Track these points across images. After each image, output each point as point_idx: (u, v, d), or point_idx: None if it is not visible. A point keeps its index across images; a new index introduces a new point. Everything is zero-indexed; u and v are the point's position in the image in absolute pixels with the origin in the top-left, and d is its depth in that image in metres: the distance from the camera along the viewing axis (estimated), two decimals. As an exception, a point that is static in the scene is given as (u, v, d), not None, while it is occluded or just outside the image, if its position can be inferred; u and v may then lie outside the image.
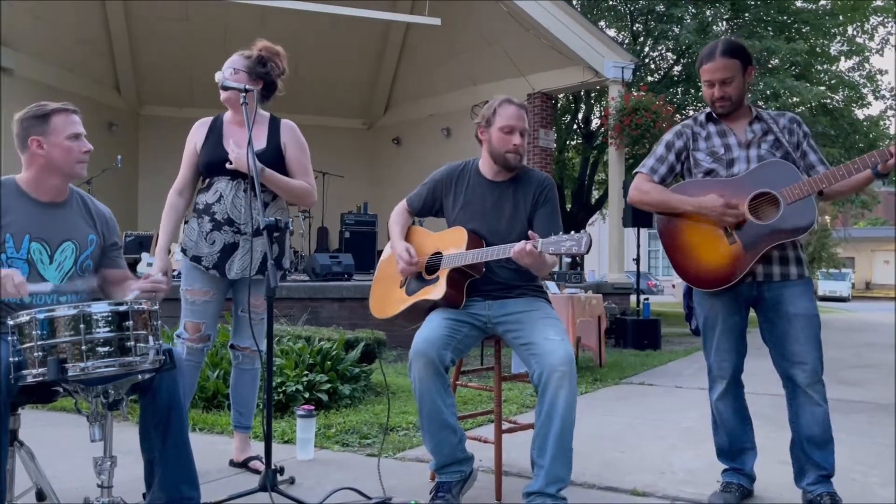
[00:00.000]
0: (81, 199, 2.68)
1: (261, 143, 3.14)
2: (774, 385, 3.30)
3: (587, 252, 2.50)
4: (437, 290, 2.85)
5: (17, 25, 9.60)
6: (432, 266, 2.94)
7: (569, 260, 15.95)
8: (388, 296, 3.10)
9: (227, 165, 3.04)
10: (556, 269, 15.42)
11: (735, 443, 2.93)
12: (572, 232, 2.55)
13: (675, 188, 2.90)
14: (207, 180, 3.17)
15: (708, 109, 2.91)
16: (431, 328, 2.76)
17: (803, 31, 13.93)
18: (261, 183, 3.03)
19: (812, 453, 2.78)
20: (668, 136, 2.96)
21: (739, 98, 2.81)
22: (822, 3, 14.96)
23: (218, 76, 3.11)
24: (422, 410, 2.74)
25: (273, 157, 3.14)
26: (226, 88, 3.05)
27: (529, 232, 2.67)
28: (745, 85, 2.81)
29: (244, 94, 2.93)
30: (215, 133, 3.19)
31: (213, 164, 3.12)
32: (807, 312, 2.74)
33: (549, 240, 2.57)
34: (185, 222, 3.29)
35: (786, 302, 2.75)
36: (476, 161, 3.07)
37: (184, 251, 3.15)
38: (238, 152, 3.02)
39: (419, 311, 2.95)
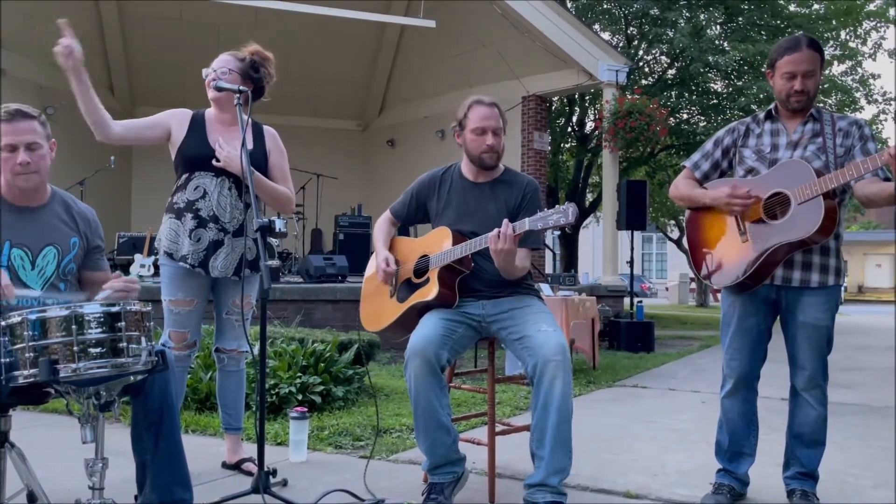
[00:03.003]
0: (63, 201, 2.64)
1: (247, 145, 3.13)
2: (770, 388, 3.31)
3: (573, 221, 2.51)
4: (429, 291, 2.85)
5: (10, 25, 9.56)
6: (420, 269, 2.94)
7: (558, 237, 15.93)
8: (379, 308, 3.09)
9: (214, 163, 3.03)
10: (550, 271, 15.43)
11: (734, 444, 2.93)
12: (557, 206, 2.57)
13: (704, 186, 2.94)
14: (185, 176, 3.11)
15: (770, 106, 2.89)
16: (428, 327, 2.76)
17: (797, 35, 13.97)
18: (246, 185, 3.04)
19: (796, 449, 2.83)
20: (720, 132, 2.99)
21: (815, 94, 2.78)
22: (816, 7, 15.02)
23: (205, 72, 3.10)
24: (417, 410, 2.73)
25: (259, 161, 3.13)
26: (220, 89, 3.04)
27: (504, 220, 2.65)
28: (819, 82, 2.79)
29: (238, 96, 2.93)
30: (198, 129, 3.14)
31: (197, 160, 3.07)
32: (816, 323, 2.74)
33: (536, 216, 2.58)
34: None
35: (798, 309, 2.76)
36: (458, 164, 3.08)
37: (169, 255, 3.08)
38: (228, 151, 3.02)
39: (412, 317, 2.94)
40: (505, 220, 2.65)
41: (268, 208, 3.30)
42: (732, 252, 2.78)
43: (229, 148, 3.03)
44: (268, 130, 3.26)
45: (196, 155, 3.08)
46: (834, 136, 2.72)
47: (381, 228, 3.17)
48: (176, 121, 3.16)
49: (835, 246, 2.75)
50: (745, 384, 2.90)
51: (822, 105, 3.06)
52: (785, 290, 2.77)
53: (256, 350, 2.90)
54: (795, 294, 2.76)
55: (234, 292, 3.18)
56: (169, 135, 3.15)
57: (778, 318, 2.86)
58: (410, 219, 3.15)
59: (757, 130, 2.88)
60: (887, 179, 2.61)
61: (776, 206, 2.68)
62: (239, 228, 3.11)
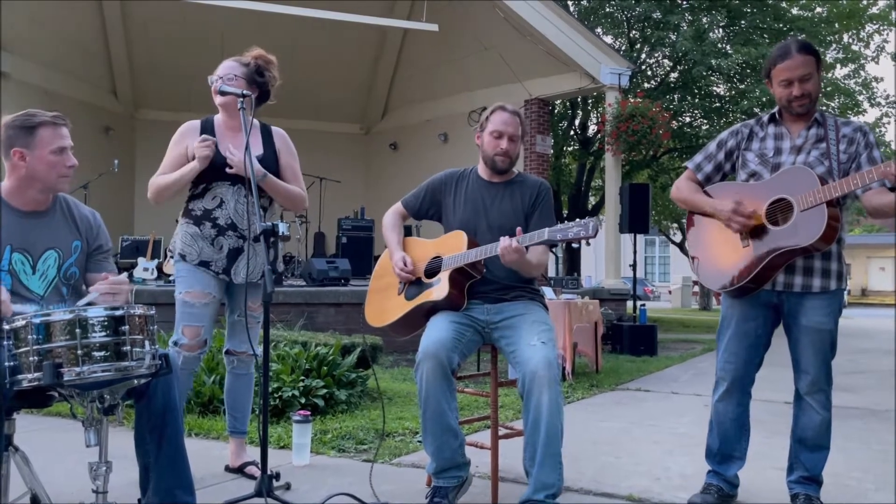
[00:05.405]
0: (65, 204, 2.65)
1: (258, 149, 3.16)
2: (770, 391, 3.31)
3: (594, 236, 2.53)
4: (439, 291, 2.87)
5: (14, 28, 9.60)
6: (432, 270, 2.95)
7: (565, 246, 15.99)
8: (385, 304, 3.10)
9: (228, 170, 3.04)
10: (553, 274, 15.43)
11: (724, 447, 2.93)
12: (577, 219, 2.59)
13: (708, 189, 2.93)
14: (202, 185, 3.13)
15: (773, 110, 2.87)
16: (440, 330, 2.77)
17: (799, 38, 13.99)
18: (260, 188, 3.05)
19: (800, 453, 2.83)
20: (723, 134, 2.97)
21: (818, 96, 2.76)
22: (818, 10, 15.02)
23: (211, 79, 3.11)
24: (426, 413, 2.73)
25: (271, 162, 3.17)
26: (223, 93, 3.05)
27: (518, 228, 2.70)
28: (820, 82, 2.77)
29: (241, 99, 2.94)
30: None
31: (213, 169, 3.08)
32: (819, 327, 2.73)
33: (556, 227, 2.62)
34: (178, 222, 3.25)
35: (801, 314, 2.75)
36: (475, 167, 3.14)
37: (182, 256, 3.11)
38: (240, 157, 3.03)
39: (418, 316, 2.96)
40: (504, 238, 2.68)
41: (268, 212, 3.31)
42: (733, 256, 2.77)
43: (240, 154, 3.04)
44: (276, 131, 3.28)
45: (211, 164, 3.08)
46: (837, 141, 2.72)
47: (392, 226, 3.19)
48: (189, 137, 3.15)
49: (836, 250, 2.74)
50: (740, 388, 2.89)
51: (824, 108, 3.06)
52: (787, 294, 2.76)
53: (260, 353, 2.91)
54: (797, 299, 2.75)
55: (251, 295, 3.18)
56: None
57: (781, 322, 2.86)
58: (422, 213, 3.18)
59: (760, 134, 2.86)
60: (893, 189, 2.58)
61: (778, 211, 2.68)
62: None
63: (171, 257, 3.20)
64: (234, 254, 3.12)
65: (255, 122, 3.23)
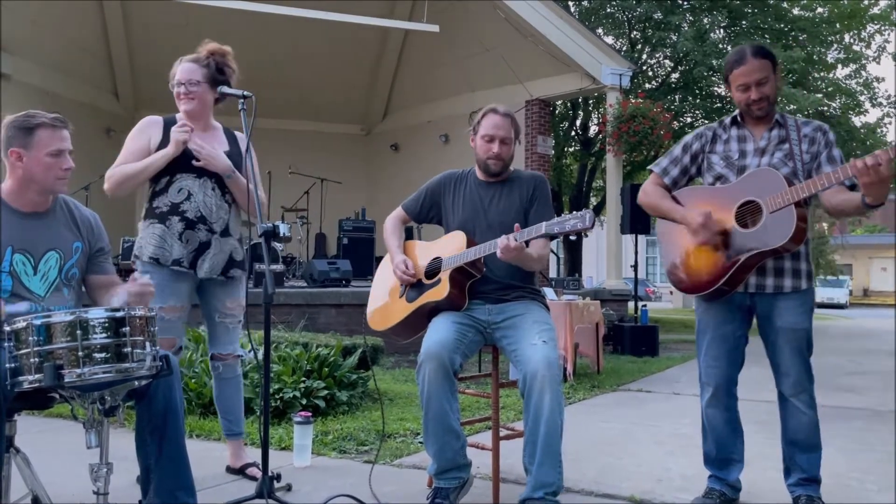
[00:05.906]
0: (66, 206, 2.65)
1: (224, 146, 3.16)
2: (769, 392, 3.30)
3: (591, 227, 2.53)
4: (440, 291, 2.87)
5: (16, 30, 9.60)
6: (432, 271, 2.96)
7: (562, 241, 15.99)
8: (387, 307, 3.11)
9: (195, 163, 3.02)
10: (554, 275, 15.43)
11: (722, 451, 2.94)
12: (574, 211, 2.60)
13: (675, 193, 2.92)
14: (165, 179, 3.07)
15: (735, 112, 2.88)
16: (442, 332, 2.77)
17: (800, 38, 13.99)
18: (225, 184, 3.07)
19: (795, 455, 2.83)
20: (687, 137, 2.97)
21: (775, 99, 2.78)
22: (820, 10, 15.01)
23: (172, 84, 3.11)
24: (427, 413, 2.74)
25: (237, 162, 3.14)
26: (224, 95, 3.05)
27: (515, 225, 2.71)
28: (776, 85, 2.79)
29: (243, 101, 2.94)
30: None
31: (177, 161, 3.03)
32: (794, 326, 2.74)
33: (553, 220, 2.64)
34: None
35: (775, 314, 2.76)
36: (473, 168, 3.16)
37: (155, 260, 3.04)
38: (209, 150, 3.02)
39: (420, 318, 2.96)
40: (503, 237, 2.69)
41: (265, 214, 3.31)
42: (705, 261, 2.76)
43: (209, 148, 3.03)
44: (240, 135, 3.26)
45: (176, 157, 3.04)
46: (800, 141, 2.74)
47: (393, 230, 3.19)
48: (151, 132, 3.13)
49: (804, 251, 2.76)
50: (725, 391, 2.91)
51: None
52: (759, 296, 2.77)
53: (260, 354, 2.91)
54: (770, 300, 2.76)
55: (222, 294, 3.18)
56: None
57: (756, 326, 2.86)
58: (422, 216, 3.18)
59: (724, 136, 2.87)
60: (853, 187, 2.60)
61: (748, 214, 2.69)
62: (225, 228, 3.12)
63: (136, 261, 3.09)
64: (202, 248, 3.08)
65: (217, 123, 3.23)
